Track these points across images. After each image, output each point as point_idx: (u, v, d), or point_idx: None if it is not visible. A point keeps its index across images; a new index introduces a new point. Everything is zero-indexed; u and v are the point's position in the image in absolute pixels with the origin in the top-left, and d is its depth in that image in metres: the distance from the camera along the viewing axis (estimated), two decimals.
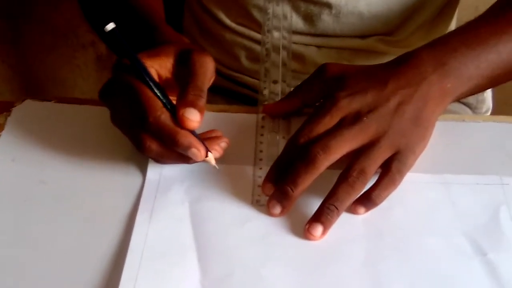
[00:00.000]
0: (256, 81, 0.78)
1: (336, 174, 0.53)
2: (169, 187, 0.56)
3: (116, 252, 0.51)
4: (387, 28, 0.76)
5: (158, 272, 0.49)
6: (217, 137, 0.56)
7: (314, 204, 0.53)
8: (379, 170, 0.54)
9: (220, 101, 0.83)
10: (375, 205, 0.53)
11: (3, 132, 0.61)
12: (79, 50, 1.37)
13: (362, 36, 0.76)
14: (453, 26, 0.83)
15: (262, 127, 0.61)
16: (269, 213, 0.53)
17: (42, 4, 1.30)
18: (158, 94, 0.52)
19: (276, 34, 0.69)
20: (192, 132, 0.52)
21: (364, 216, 0.54)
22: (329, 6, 0.72)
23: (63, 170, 0.58)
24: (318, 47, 0.76)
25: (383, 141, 0.53)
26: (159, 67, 0.54)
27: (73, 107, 0.64)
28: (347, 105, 0.54)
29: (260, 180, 0.56)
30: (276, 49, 0.67)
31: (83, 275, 0.49)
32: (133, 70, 0.53)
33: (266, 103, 0.63)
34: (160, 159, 0.54)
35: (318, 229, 0.51)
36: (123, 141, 0.55)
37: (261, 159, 0.58)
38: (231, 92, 0.82)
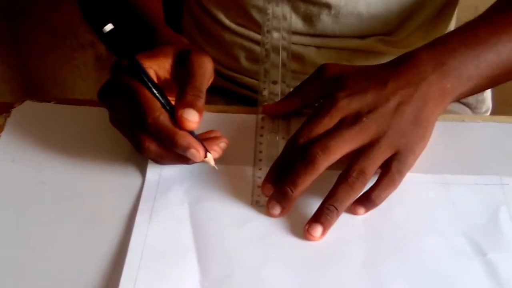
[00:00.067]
0: (255, 81, 0.78)
1: (336, 175, 0.53)
2: (168, 187, 0.56)
3: (115, 253, 0.51)
4: (387, 29, 0.76)
5: (157, 273, 0.49)
6: (216, 138, 0.56)
7: (313, 205, 0.53)
8: (379, 171, 0.54)
9: (219, 101, 0.83)
10: (375, 205, 0.53)
11: (3, 133, 0.61)
12: (79, 50, 1.37)
13: (362, 37, 0.76)
14: (452, 26, 0.83)
15: (262, 127, 0.61)
16: (268, 213, 0.53)
17: (42, 4, 1.30)
18: (157, 94, 0.52)
19: (275, 34, 0.69)
20: (191, 132, 0.52)
21: (363, 217, 0.53)
22: (328, 6, 0.72)
23: (62, 171, 0.58)
24: (318, 47, 0.76)
25: (383, 141, 0.53)
26: (158, 67, 0.54)
27: (72, 108, 0.64)
28: (346, 106, 0.54)
29: (259, 181, 0.56)
30: (276, 49, 0.67)
31: (83, 276, 0.49)
32: (132, 71, 0.53)
33: (265, 103, 0.63)
34: (159, 160, 0.54)
35: (318, 229, 0.51)
36: (122, 142, 0.55)
37: (260, 160, 0.58)
38: (230, 93, 0.82)
